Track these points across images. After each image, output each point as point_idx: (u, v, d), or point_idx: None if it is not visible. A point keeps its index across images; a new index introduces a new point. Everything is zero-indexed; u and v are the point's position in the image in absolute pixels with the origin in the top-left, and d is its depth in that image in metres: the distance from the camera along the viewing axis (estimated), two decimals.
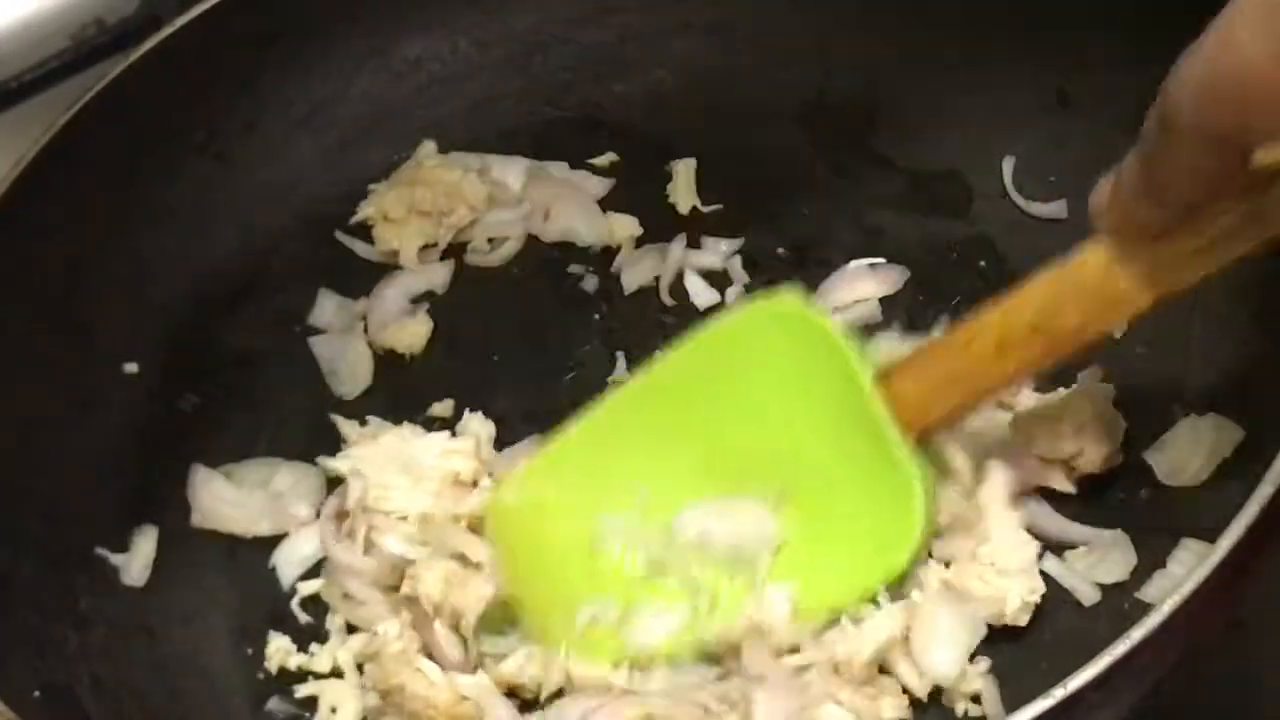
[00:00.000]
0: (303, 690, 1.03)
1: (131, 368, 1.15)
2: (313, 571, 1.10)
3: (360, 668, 1.04)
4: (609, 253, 1.23)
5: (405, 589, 1.01)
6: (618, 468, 1.03)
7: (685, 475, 1.00)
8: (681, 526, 0.99)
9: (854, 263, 1.17)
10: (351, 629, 1.06)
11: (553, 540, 1.03)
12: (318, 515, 1.11)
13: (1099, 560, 0.97)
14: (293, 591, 1.09)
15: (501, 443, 1.12)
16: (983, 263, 1.16)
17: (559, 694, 0.99)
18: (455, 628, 1.01)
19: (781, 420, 0.98)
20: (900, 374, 0.93)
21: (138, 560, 1.08)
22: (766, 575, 0.96)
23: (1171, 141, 0.72)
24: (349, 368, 1.20)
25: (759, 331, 1.00)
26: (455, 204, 1.25)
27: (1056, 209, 1.14)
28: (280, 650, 1.05)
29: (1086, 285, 0.84)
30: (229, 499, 1.12)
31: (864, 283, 1.16)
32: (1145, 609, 0.77)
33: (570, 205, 1.25)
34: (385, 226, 1.25)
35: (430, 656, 1.01)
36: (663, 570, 0.99)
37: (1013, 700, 0.90)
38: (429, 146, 1.29)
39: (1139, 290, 0.83)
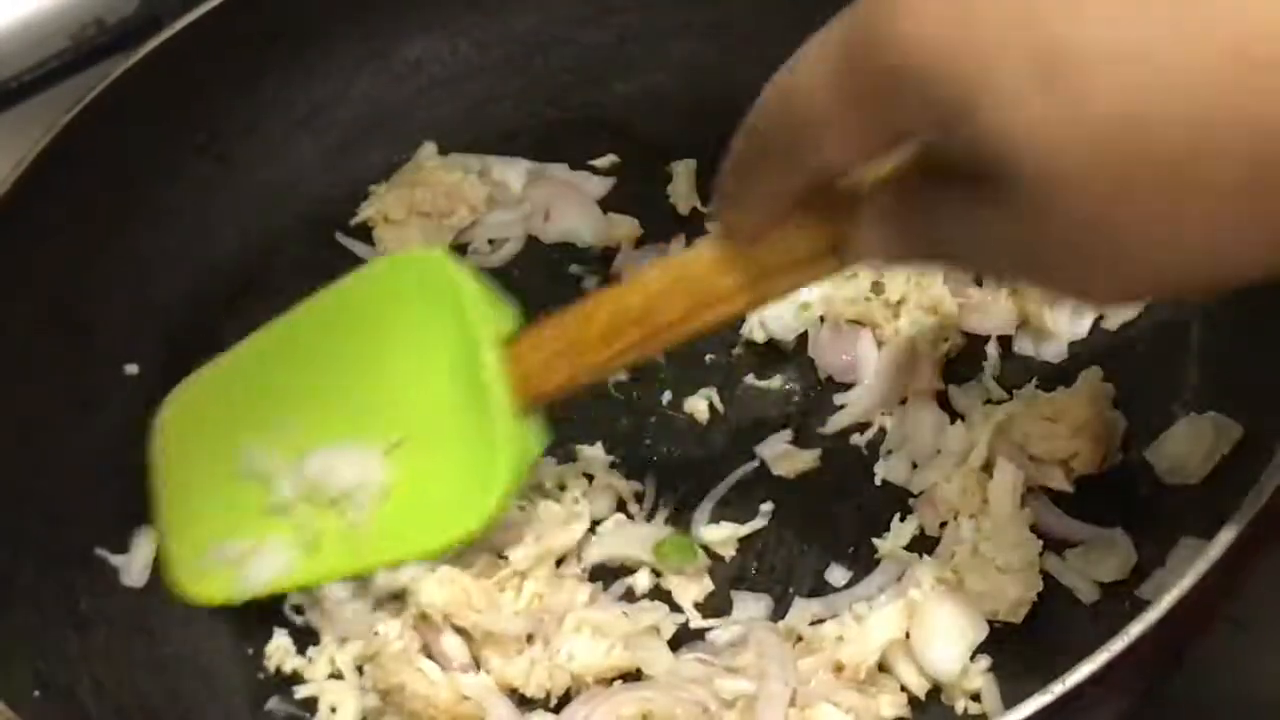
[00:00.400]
0: (302, 691, 1.03)
1: (132, 369, 1.16)
2: None
3: (360, 668, 1.03)
4: (609, 253, 1.23)
5: (411, 607, 1.00)
6: (266, 400, 1.08)
7: (321, 415, 1.05)
8: (305, 467, 1.03)
9: None
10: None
11: (200, 461, 1.09)
12: None
13: (1098, 558, 0.97)
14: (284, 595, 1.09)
15: None
16: None
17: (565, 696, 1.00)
18: (460, 631, 1.01)
19: (409, 369, 1.03)
20: (522, 341, 0.97)
21: (137, 561, 1.08)
22: (366, 518, 1.01)
23: (742, 147, 0.77)
24: None
25: (399, 281, 1.05)
26: (456, 205, 1.25)
27: None
28: (280, 649, 1.05)
29: (691, 280, 0.87)
30: None
31: None
32: (1144, 607, 0.77)
33: (570, 206, 1.25)
34: (386, 228, 1.25)
35: (431, 657, 1.01)
36: (284, 509, 1.04)
37: (1012, 698, 0.90)
38: (429, 148, 1.29)
39: (735, 291, 0.86)
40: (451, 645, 1.00)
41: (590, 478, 1.10)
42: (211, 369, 1.13)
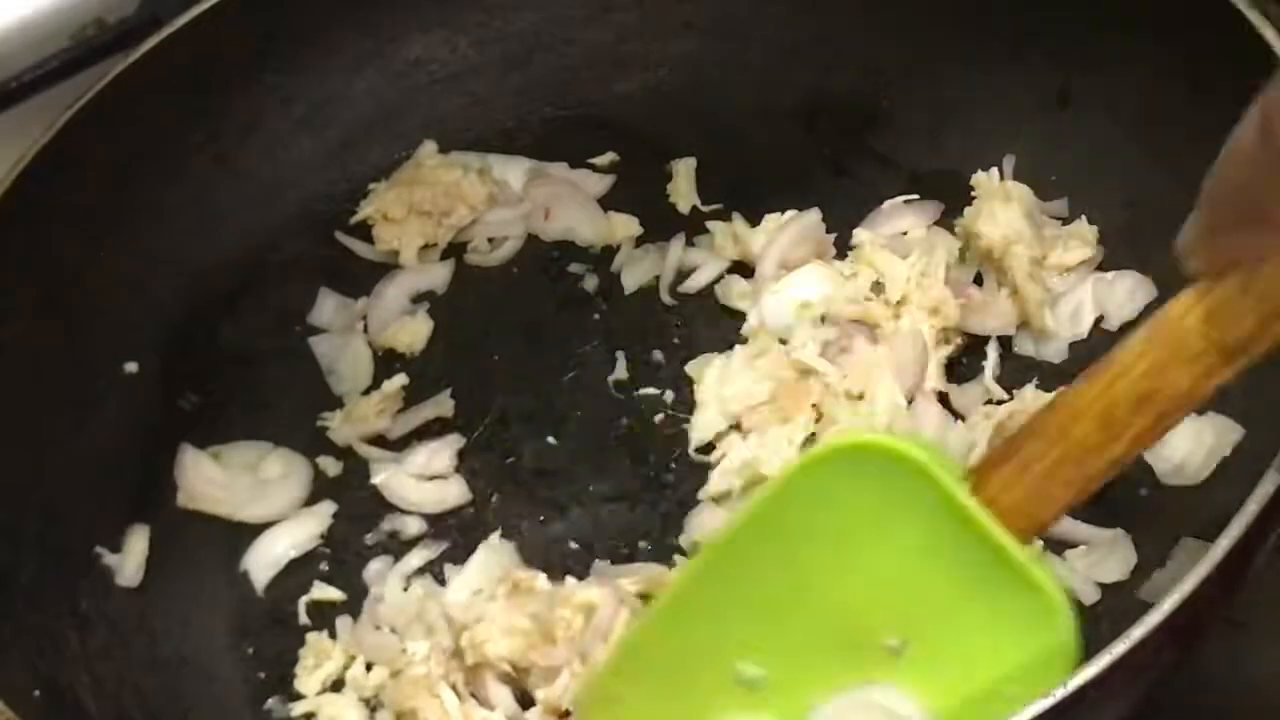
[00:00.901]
0: (299, 708, 1.03)
1: (132, 367, 1.16)
2: (288, 571, 1.10)
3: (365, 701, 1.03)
4: (609, 252, 1.23)
5: (464, 644, 0.98)
6: (715, 653, 0.88)
7: (798, 651, 0.86)
8: None
9: (889, 201, 1.18)
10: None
11: None
12: (305, 504, 1.13)
13: (1099, 559, 0.97)
14: (283, 594, 1.09)
15: (505, 447, 1.13)
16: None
17: None
18: (505, 679, 0.99)
19: (883, 561, 0.84)
20: (996, 479, 0.80)
21: (131, 560, 1.08)
22: None
23: (1275, 153, 0.66)
24: (349, 367, 1.20)
25: (837, 472, 0.84)
26: (455, 204, 1.25)
27: (1058, 207, 1.14)
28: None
29: (1189, 342, 0.74)
30: (217, 480, 1.13)
31: (903, 217, 1.17)
32: (1145, 608, 0.76)
33: (570, 204, 1.25)
34: (385, 226, 1.25)
35: (474, 695, 0.99)
36: None
37: None
38: (429, 146, 1.29)
39: (1250, 332, 0.72)
40: (500, 693, 0.99)
41: None
42: (627, 637, 0.94)
